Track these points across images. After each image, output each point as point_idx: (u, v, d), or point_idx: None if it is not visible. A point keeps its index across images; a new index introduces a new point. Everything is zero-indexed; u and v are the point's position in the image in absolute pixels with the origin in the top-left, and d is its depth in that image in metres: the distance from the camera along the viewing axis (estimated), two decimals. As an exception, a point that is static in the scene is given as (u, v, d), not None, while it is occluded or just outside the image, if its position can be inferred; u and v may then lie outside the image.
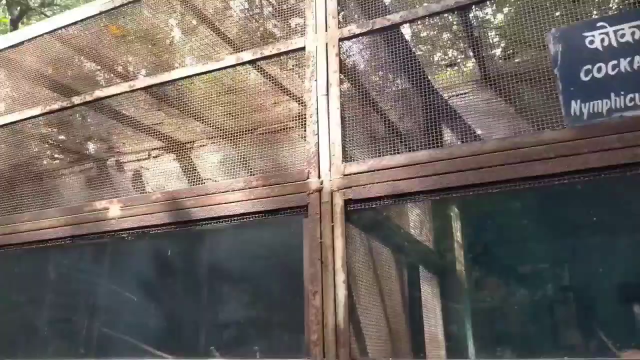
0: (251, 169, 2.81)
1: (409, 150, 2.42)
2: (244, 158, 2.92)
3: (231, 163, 2.90)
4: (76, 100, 3.50)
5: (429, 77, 2.64)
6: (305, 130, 2.64)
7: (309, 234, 2.44)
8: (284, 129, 2.89)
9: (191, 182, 2.89)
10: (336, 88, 2.63)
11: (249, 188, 2.67)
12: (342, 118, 2.56)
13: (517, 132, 2.21)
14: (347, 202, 2.41)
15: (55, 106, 3.59)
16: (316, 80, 2.69)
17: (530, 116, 2.19)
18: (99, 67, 4.15)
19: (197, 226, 2.78)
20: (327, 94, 2.63)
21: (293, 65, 3.09)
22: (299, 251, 2.61)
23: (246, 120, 2.96)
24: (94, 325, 2.93)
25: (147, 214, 2.91)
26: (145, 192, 3.04)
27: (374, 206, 2.37)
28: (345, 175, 2.45)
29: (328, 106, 2.61)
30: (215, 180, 2.83)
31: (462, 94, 2.70)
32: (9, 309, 3.32)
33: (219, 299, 2.66)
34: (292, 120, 2.84)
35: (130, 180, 3.38)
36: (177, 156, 3.52)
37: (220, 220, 2.71)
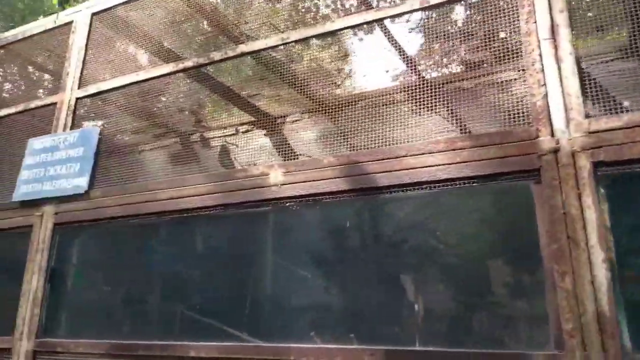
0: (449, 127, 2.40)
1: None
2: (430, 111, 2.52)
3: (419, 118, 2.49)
4: (216, 56, 3.15)
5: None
6: (523, 81, 2.22)
7: (544, 203, 2.03)
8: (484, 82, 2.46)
9: (373, 144, 2.49)
10: (565, 30, 2.19)
11: (453, 150, 2.27)
12: (579, 65, 2.13)
13: None
14: (597, 165, 1.99)
15: (189, 63, 3.25)
16: (535, 22, 2.25)
17: None
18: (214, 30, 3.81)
19: (383, 194, 2.40)
20: (553, 38, 2.20)
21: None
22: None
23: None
24: (253, 306, 2.61)
25: (317, 180, 2.55)
26: (313, 157, 2.67)
27: (637, 170, 1.94)
28: (591, 132, 2.02)
29: (556, 52, 2.17)
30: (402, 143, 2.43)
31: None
32: (145, 283, 3.04)
33: (411, 282, 2.28)
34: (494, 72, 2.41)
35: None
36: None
37: (416, 187, 2.32)
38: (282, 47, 2.95)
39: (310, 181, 2.57)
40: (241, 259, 2.71)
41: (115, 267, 3.18)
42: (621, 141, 1.97)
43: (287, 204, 2.62)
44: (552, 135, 2.09)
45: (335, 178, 2.50)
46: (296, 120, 3.65)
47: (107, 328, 3.09)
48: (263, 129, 3.69)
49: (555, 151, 2.06)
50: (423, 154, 2.33)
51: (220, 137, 3.91)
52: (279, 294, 2.59)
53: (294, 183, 2.61)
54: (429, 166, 2.30)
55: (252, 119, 3.88)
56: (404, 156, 2.37)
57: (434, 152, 2.30)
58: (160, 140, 4.08)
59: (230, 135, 3.94)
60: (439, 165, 2.28)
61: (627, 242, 1.90)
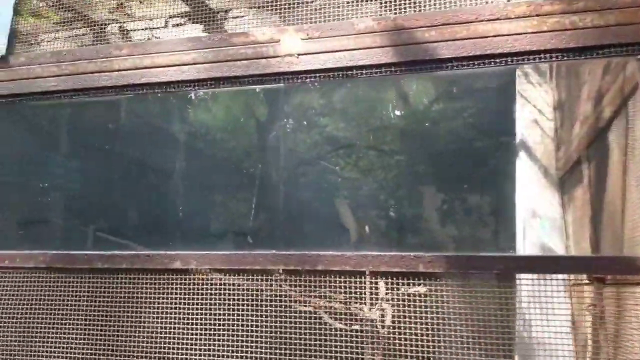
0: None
1: None
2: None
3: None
4: None
5: None
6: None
7: (654, 83, 1.67)
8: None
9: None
10: None
11: (537, 15, 1.82)
12: None
13: None
14: None
15: None
16: None
17: None
18: None
19: (443, 69, 1.91)
20: None
21: None
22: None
23: None
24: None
25: (350, 49, 1.98)
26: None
27: None
28: None
29: None
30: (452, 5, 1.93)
31: None
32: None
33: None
34: None
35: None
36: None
37: (486, 61, 1.86)
38: None
39: (339, 51, 2.00)
40: (239, 151, 2.11)
41: (50, 158, 2.42)
42: None
43: (307, 79, 2.04)
44: (666, 1, 1.71)
45: (376, 47, 1.96)
46: (240, 17, 2.99)
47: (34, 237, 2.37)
48: (200, 24, 2.98)
49: (670, 20, 1.69)
50: (497, 19, 1.85)
51: (144, 29, 3.13)
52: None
53: (316, 53, 2.02)
54: (505, 35, 1.84)
55: (187, 9, 3.13)
56: (471, 22, 1.88)
57: (512, 18, 1.84)
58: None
59: (157, 28, 3.17)
60: (519, 34, 1.82)
61: None
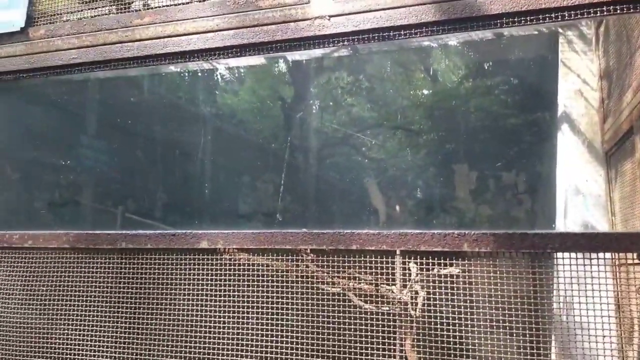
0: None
1: None
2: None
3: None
4: None
5: None
6: None
7: None
8: None
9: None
10: None
11: (601, -37, 1.61)
12: None
13: None
14: None
15: None
16: None
17: None
18: None
19: (490, 27, 1.72)
20: None
21: None
22: None
23: None
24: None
25: (387, 8, 1.81)
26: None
27: None
28: None
29: None
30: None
31: None
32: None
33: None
34: None
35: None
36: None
37: (543, 16, 1.67)
38: None
39: (375, 10, 1.83)
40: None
41: (71, 134, 2.33)
42: None
43: (339, 44, 1.88)
44: None
45: (416, 5, 1.78)
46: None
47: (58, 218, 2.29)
48: None
49: None
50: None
51: (168, 5, 2.99)
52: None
53: (350, 14, 1.85)
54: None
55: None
56: (524, -27, 1.68)
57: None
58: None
59: (182, 4, 3.03)
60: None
61: None
